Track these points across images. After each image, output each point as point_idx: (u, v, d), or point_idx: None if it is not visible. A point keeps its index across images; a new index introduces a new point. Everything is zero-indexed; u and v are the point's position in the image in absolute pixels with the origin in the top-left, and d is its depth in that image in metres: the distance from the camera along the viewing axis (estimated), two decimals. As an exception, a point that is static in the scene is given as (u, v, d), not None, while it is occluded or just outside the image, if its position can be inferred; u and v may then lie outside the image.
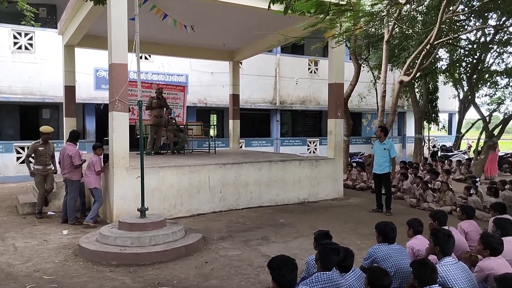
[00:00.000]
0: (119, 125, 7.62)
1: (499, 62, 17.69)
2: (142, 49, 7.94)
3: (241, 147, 16.50)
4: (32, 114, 15.80)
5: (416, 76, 13.32)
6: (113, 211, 7.50)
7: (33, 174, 8.33)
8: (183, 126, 12.63)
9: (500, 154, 16.12)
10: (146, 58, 15.82)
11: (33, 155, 8.30)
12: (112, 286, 4.74)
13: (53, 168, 8.49)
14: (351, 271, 3.65)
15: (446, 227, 4.60)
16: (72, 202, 7.85)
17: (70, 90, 12.43)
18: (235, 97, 15.02)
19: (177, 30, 8.49)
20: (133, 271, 5.24)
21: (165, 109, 11.63)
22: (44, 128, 8.48)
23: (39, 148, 8.30)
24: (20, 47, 14.01)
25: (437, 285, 3.17)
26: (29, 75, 14.01)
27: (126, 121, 7.75)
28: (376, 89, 17.71)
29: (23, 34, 14.06)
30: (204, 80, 17.06)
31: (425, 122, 19.01)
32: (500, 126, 13.90)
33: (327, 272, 3.34)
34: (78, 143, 8.38)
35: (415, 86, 17.81)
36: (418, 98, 18.03)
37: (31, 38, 14.14)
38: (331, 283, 3.31)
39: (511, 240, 4.37)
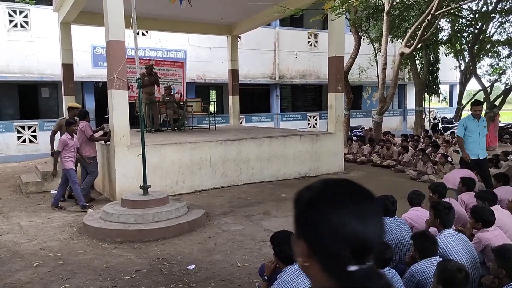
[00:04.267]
0: (119, 103, 7.58)
1: (501, 32, 17.45)
2: (139, 25, 7.83)
3: (241, 123, 16.47)
4: (30, 93, 15.73)
5: (417, 47, 13.15)
6: (116, 189, 7.56)
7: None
8: (182, 103, 12.57)
9: (501, 125, 16.10)
10: (143, 34, 15.58)
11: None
12: (118, 262, 4.82)
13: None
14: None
15: (446, 199, 4.64)
16: (91, 179, 7.50)
17: (68, 68, 12.29)
18: (234, 73, 14.88)
19: (174, 4, 8.33)
20: (137, 247, 5.31)
21: (155, 85, 11.43)
22: (72, 103, 8.02)
23: (65, 125, 7.68)
24: (15, 25, 13.79)
25: (438, 256, 3.22)
26: (26, 54, 13.85)
27: (126, 99, 7.71)
28: (376, 62, 17.53)
29: (18, 12, 13.82)
30: (202, 56, 16.87)
31: (426, 94, 18.88)
32: (501, 97, 13.83)
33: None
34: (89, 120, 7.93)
35: (416, 58, 17.62)
36: (419, 70, 17.87)
37: (26, 16, 13.90)
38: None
39: (499, 209, 4.43)
